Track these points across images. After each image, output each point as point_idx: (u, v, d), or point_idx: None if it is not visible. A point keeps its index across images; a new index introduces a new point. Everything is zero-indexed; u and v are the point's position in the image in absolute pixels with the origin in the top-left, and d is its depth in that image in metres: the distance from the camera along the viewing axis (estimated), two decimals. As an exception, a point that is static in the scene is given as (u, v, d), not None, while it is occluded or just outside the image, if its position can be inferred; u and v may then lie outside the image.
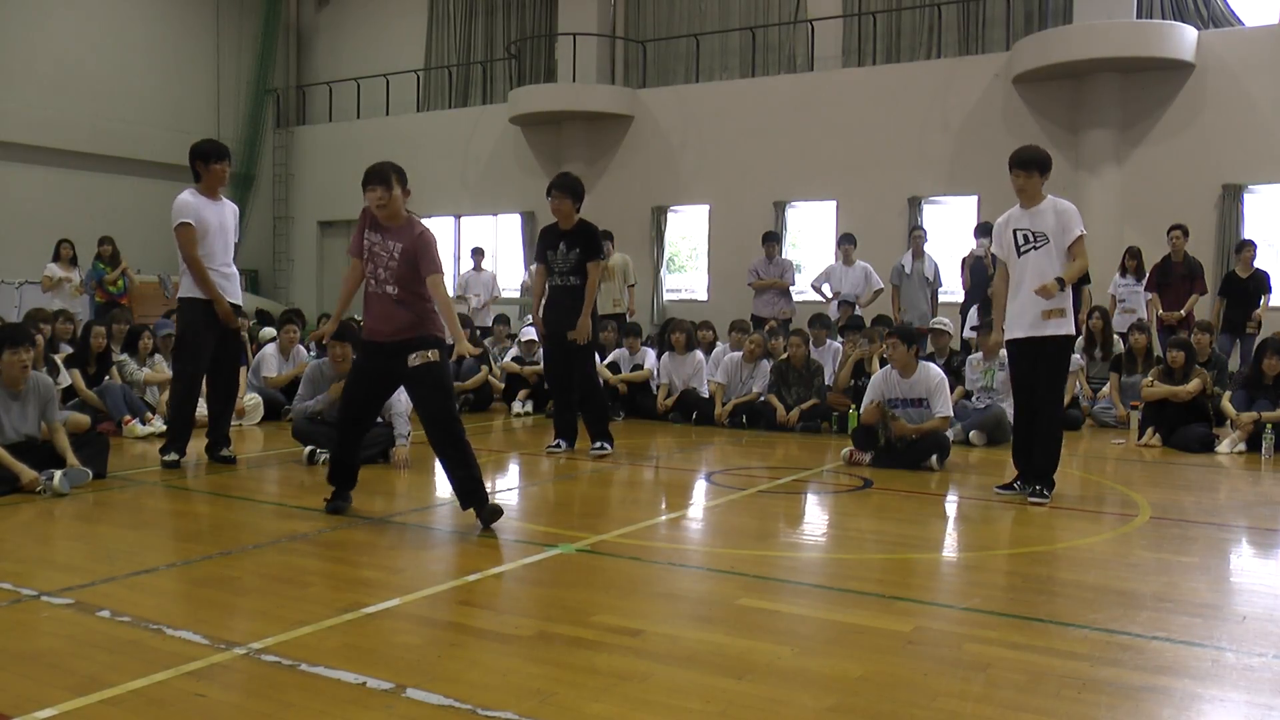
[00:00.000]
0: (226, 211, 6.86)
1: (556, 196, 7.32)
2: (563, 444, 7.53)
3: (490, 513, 4.91)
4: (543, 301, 7.67)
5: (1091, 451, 8.08)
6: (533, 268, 12.41)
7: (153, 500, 5.79)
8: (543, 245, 7.51)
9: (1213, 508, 5.99)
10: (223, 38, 20.05)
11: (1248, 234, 11.99)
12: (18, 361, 5.74)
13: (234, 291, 6.85)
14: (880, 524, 5.45)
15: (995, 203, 13.57)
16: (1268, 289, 10.57)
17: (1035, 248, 5.76)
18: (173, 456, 6.60)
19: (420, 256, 4.99)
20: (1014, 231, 5.85)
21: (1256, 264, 10.60)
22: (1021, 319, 5.79)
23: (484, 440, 8.40)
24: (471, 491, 4.95)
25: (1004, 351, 8.75)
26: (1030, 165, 5.78)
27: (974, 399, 8.82)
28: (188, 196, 6.66)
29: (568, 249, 7.38)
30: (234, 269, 6.91)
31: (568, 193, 7.31)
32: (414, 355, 4.95)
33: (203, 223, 6.61)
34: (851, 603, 3.81)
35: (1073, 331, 5.83)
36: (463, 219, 18.58)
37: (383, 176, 4.96)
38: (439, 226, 18.47)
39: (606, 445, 7.50)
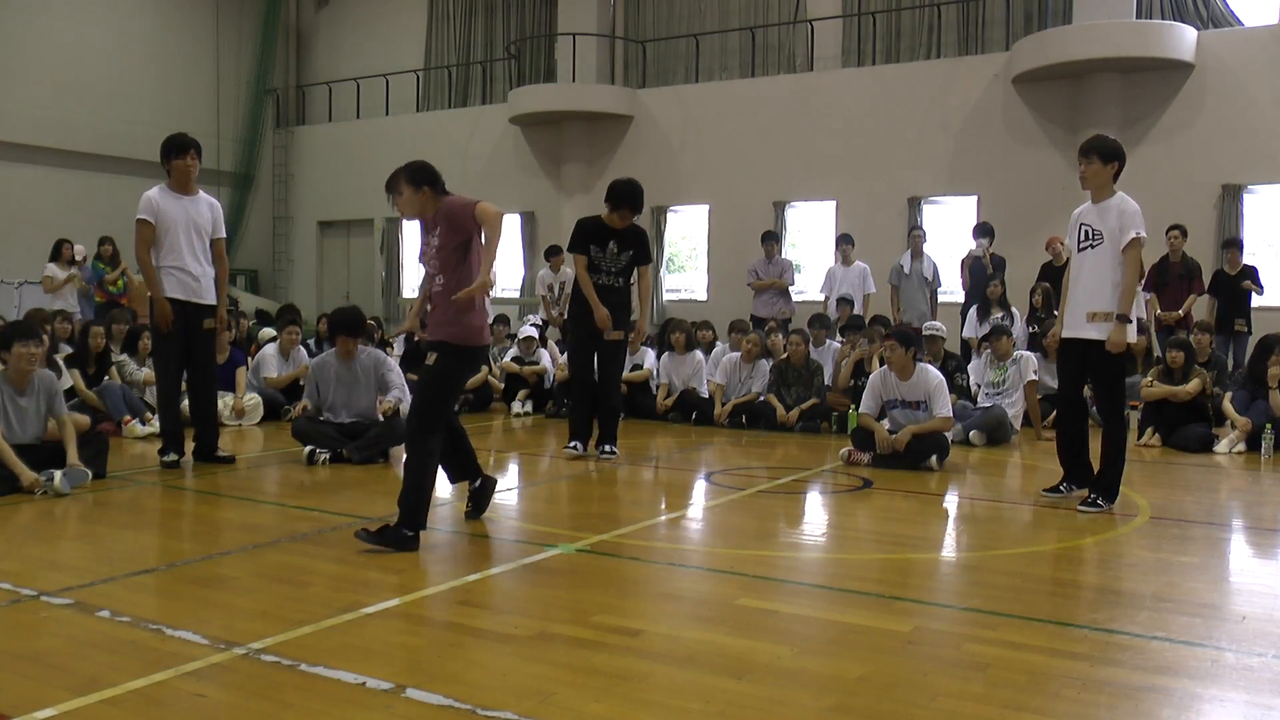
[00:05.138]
0: (200, 207, 6.60)
1: (626, 213, 7.18)
2: (579, 446, 7.37)
3: (383, 538, 4.49)
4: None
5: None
6: (554, 260, 12.37)
7: (152, 500, 5.79)
8: (586, 239, 7.27)
9: (1212, 508, 6.00)
10: (223, 38, 20.04)
11: (1247, 234, 11.99)
12: (26, 354, 5.71)
13: (204, 292, 6.59)
14: (880, 524, 5.45)
15: (995, 203, 13.61)
16: (1257, 282, 10.56)
17: (1092, 246, 5.50)
18: (172, 457, 6.59)
19: (454, 225, 4.54)
20: (1080, 226, 5.62)
21: (1245, 260, 10.61)
22: (1073, 318, 5.61)
23: (484, 440, 8.39)
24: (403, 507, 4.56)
25: (1025, 352, 8.83)
26: (1089, 151, 5.49)
27: (978, 398, 8.82)
28: (152, 193, 6.50)
29: (619, 250, 7.27)
30: (205, 268, 6.60)
31: (632, 207, 7.19)
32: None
33: (165, 220, 6.44)
34: (851, 603, 3.81)
35: (1128, 339, 5.46)
36: (462, 219, 18.53)
37: (390, 184, 4.67)
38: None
39: (617, 450, 7.41)
